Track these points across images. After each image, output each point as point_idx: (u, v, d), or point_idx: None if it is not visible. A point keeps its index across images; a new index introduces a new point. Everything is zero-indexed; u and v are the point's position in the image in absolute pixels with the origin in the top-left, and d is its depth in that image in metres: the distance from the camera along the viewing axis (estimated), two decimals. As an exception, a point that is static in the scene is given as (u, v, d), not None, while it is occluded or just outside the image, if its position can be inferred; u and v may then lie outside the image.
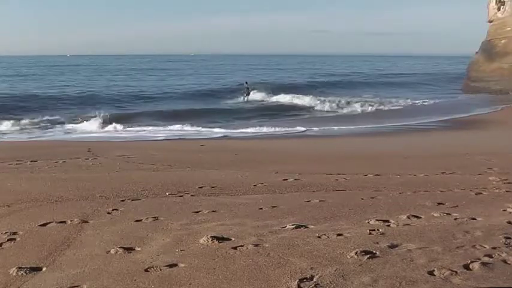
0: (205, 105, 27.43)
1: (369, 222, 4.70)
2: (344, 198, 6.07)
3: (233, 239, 4.19)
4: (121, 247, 4.05)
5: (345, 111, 26.62)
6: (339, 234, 4.23)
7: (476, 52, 42.14)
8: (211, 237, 4.18)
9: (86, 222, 4.98)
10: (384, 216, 4.93)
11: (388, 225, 4.58)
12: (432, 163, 9.19)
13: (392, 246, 3.85)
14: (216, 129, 19.19)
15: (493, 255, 3.59)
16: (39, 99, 30.14)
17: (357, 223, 4.70)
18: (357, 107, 27.12)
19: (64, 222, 4.96)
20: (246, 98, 28.48)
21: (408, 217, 4.84)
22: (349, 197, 6.18)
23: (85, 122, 21.36)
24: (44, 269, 3.67)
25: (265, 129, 18.86)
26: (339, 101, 28.12)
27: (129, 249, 4.02)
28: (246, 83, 29.62)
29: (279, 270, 3.43)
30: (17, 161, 9.75)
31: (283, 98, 29.79)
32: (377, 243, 3.94)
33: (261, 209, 5.47)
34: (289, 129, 18.57)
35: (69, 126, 21.18)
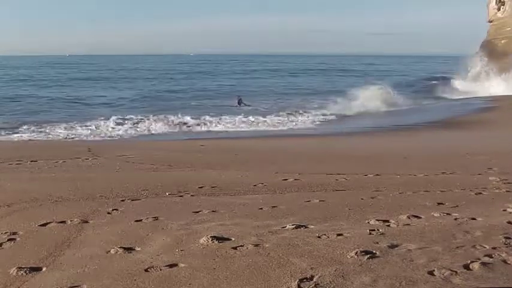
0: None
1: (369, 222, 4.69)
2: (344, 198, 6.07)
3: (233, 239, 4.19)
4: (121, 247, 4.05)
5: None
6: (339, 234, 4.23)
7: (477, 52, 42.17)
8: (211, 237, 4.18)
9: (86, 222, 4.98)
10: (384, 216, 4.93)
11: (388, 225, 4.58)
12: (432, 163, 9.18)
13: (392, 246, 3.85)
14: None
15: (493, 255, 3.59)
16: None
17: (357, 223, 4.70)
18: None
19: (64, 222, 4.96)
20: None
21: (408, 217, 4.84)
22: (349, 197, 6.17)
23: None
24: (44, 269, 3.67)
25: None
26: None
27: (129, 249, 4.02)
28: (240, 98, 29.56)
29: (279, 270, 3.43)
30: (17, 161, 9.74)
31: None
32: (377, 243, 3.94)
33: (261, 209, 5.47)
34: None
35: None
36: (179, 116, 22.62)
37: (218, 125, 21.35)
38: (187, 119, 22.28)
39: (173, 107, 27.26)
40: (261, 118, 22.99)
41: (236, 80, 53.93)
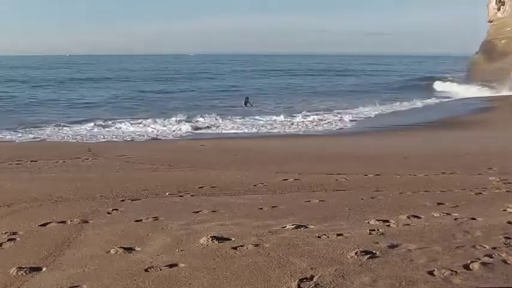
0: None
1: (369, 222, 4.70)
2: (344, 198, 6.07)
3: (233, 239, 4.19)
4: (121, 247, 4.05)
5: None
6: (339, 234, 4.23)
7: (476, 52, 42.22)
8: (211, 237, 4.18)
9: (86, 222, 4.98)
10: (384, 216, 4.93)
11: (388, 225, 4.58)
12: (432, 163, 9.19)
13: (392, 246, 3.85)
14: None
15: (493, 255, 3.59)
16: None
17: (357, 223, 4.70)
18: None
19: (64, 222, 4.96)
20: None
21: (408, 217, 4.84)
22: (349, 197, 6.18)
23: None
24: (44, 269, 3.67)
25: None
26: None
27: (129, 249, 4.02)
28: (247, 98, 29.12)
29: (279, 270, 3.43)
30: (17, 161, 9.75)
31: None
32: (377, 243, 3.94)
33: (261, 209, 5.47)
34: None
35: None
36: (184, 116, 22.06)
37: (229, 127, 20.25)
38: (198, 120, 21.51)
39: (175, 108, 27.03)
40: (265, 119, 22.16)
41: (236, 80, 53.87)
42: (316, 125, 20.72)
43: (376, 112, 25.17)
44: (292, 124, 20.94)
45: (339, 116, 23.32)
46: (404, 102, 29.22)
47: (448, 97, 32.60)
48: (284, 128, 19.89)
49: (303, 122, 21.60)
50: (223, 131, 19.24)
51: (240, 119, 22.28)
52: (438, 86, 39.51)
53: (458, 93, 33.63)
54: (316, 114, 23.56)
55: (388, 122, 20.71)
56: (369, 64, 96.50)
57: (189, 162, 9.67)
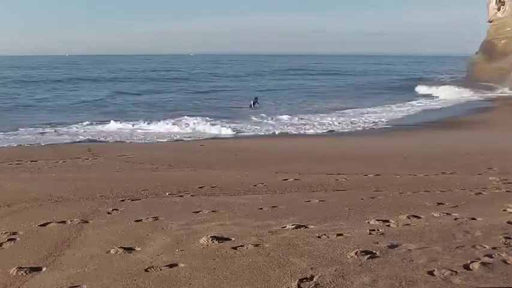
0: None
1: (369, 222, 4.70)
2: (344, 198, 6.07)
3: (233, 239, 4.19)
4: (121, 247, 4.05)
5: None
6: (339, 234, 4.23)
7: (476, 52, 42.26)
8: (211, 237, 4.18)
9: (86, 222, 4.98)
10: (384, 216, 4.93)
11: (388, 225, 4.58)
12: (432, 163, 9.19)
13: (392, 246, 3.85)
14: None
15: (493, 255, 3.59)
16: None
17: (357, 223, 4.70)
18: None
19: (64, 222, 4.97)
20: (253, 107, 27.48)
21: (408, 217, 4.84)
22: (349, 197, 6.18)
23: None
24: (44, 269, 3.67)
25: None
26: None
27: (129, 249, 4.02)
28: (256, 98, 28.81)
29: (279, 270, 3.43)
30: (17, 161, 9.76)
31: None
32: (377, 243, 3.95)
33: (261, 209, 5.47)
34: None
35: None
36: (184, 116, 21.69)
37: (233, 127, 19.26)
38: (198, 120, 20.69)
39: (175, 108, 26.87)
40: (273, 121, 21.38)
41: (236, 80, 53.83)
42: (343, 124, 20.12)
43: (391, 113, 24.43)
44: (304, 125, 20.30)
45: (347, 116, 22.75)
46: (412, 102, 29.12)
47: (445, 100, 32.53)
48: (299, 129, 19.27)
49: (319, 122, 21.00)
50: (227, 132, 18.95)
51: (243, 119, 21.90)
52: (435, 89, 39.24)
53: (452, 96, 33.53)
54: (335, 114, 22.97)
55: (388, 122, 20.63)
56: (370, 64, 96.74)
57: (189, 162, 9.67)
